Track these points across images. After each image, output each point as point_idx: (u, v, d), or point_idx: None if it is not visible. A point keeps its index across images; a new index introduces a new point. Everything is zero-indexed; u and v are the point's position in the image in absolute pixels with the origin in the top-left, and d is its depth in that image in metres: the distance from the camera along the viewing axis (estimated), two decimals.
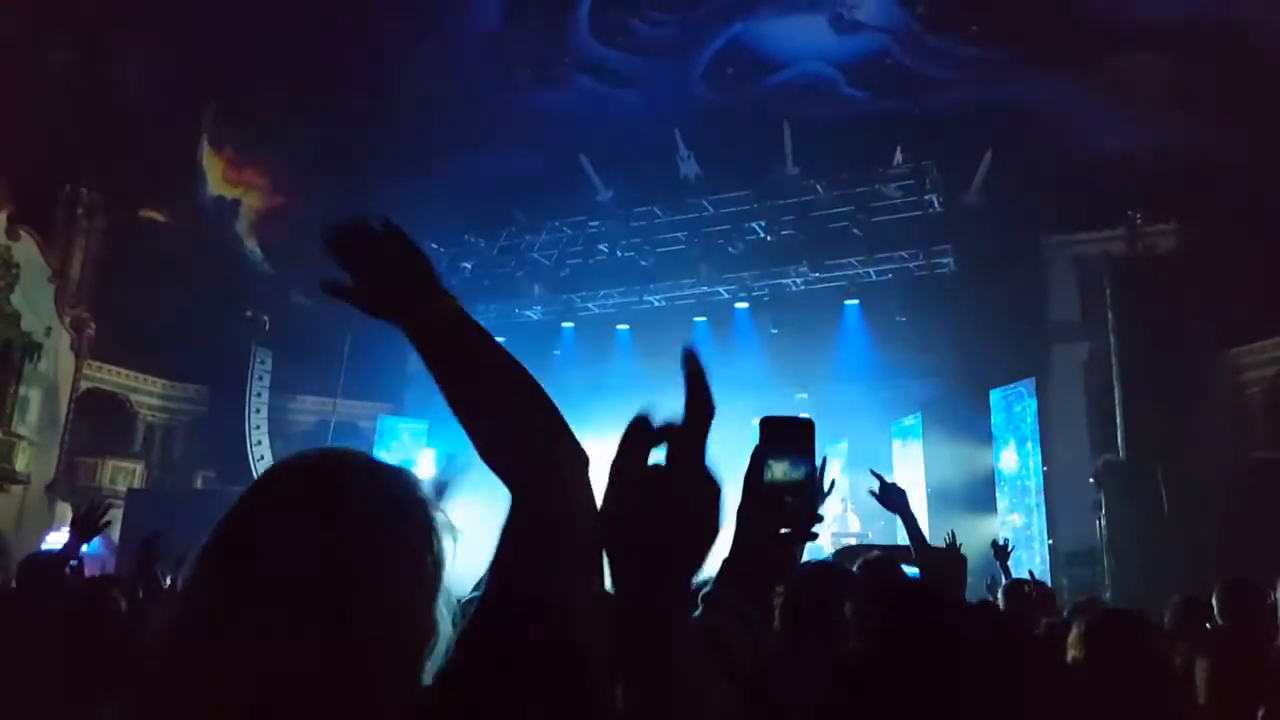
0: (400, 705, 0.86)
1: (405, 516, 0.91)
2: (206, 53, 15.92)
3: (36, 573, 5.08)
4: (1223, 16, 14.79)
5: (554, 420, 1.02)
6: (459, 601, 0.96)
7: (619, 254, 16.61)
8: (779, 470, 1.25)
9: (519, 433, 1.01)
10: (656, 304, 17.33)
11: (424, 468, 14.66)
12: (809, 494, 1.25)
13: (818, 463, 1.32)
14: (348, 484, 0.90)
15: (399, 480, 0.94)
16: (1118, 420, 14.89)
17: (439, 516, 0.94)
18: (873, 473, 4.03)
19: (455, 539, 0.94)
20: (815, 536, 1.40)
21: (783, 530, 1.35)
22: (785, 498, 1.24)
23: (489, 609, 0.92)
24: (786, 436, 1.26)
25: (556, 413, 1.03)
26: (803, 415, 1.34)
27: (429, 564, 0.91)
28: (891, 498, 3.84)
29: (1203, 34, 14.85)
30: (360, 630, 0.83)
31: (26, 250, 17.19)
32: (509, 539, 0.95)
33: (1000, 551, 5.65)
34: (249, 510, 0.89)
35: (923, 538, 3.82)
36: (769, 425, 1.26)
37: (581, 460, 1.00)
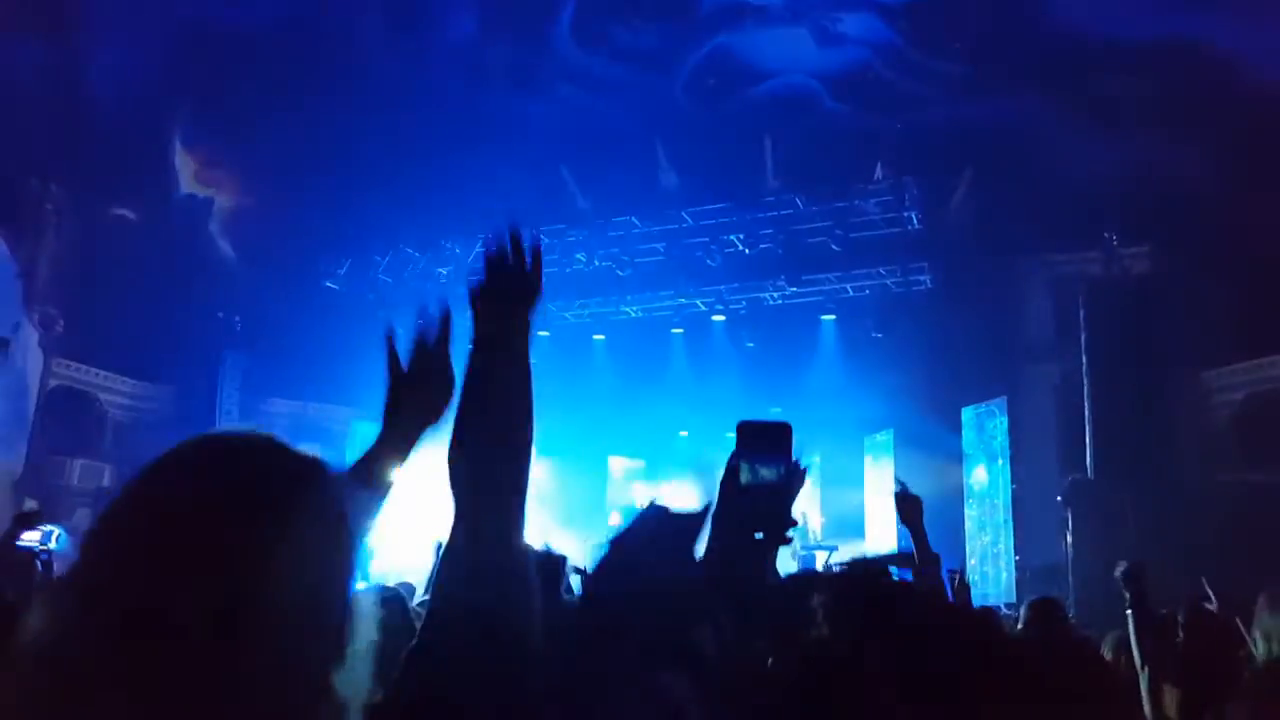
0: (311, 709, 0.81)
1: (315, 505, 0.86)
2: (180, 51, 15.64)
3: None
4: (1198, 39, 14.81)
5: (516, 501, 1.06)
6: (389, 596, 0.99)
7: (596, 264, 16.54)
8: (756, 473, 1.23)
9: (497, 471, 1.05)
10: (633, 315, 17.29)
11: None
12: (786, 496, 1.24)
13: (796, 464, 1.31)
14: (252, 468, 0.87)
15: (309, 465, 0.90)
16: (1087, 440, 15.01)
17: (351, 508, 0.90)
18: (896, 479, 4.05)
19: (366, 531, 0.94)
20: (789, 540, 1.40)
21: (757, 534, 1.35)
22: (762, 500, 1.22)
23: (428, 628, 0.94)
24: (763, 439, 1.25)
25: (522, 492, 1.07)
26: (779, 419, 1.34)
27: (340, 556, 0.86)
28: (909, 510, 3.72)
29: (1179, 56, 14.87)
30: (254, 628, 0.77)
31: None
32: (448, 561, 0.98)
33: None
34: (140, 492, 0.85)
35: (929, 553, 3.70)
36: (746, 429, 1.24)
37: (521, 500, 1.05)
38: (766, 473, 1.26)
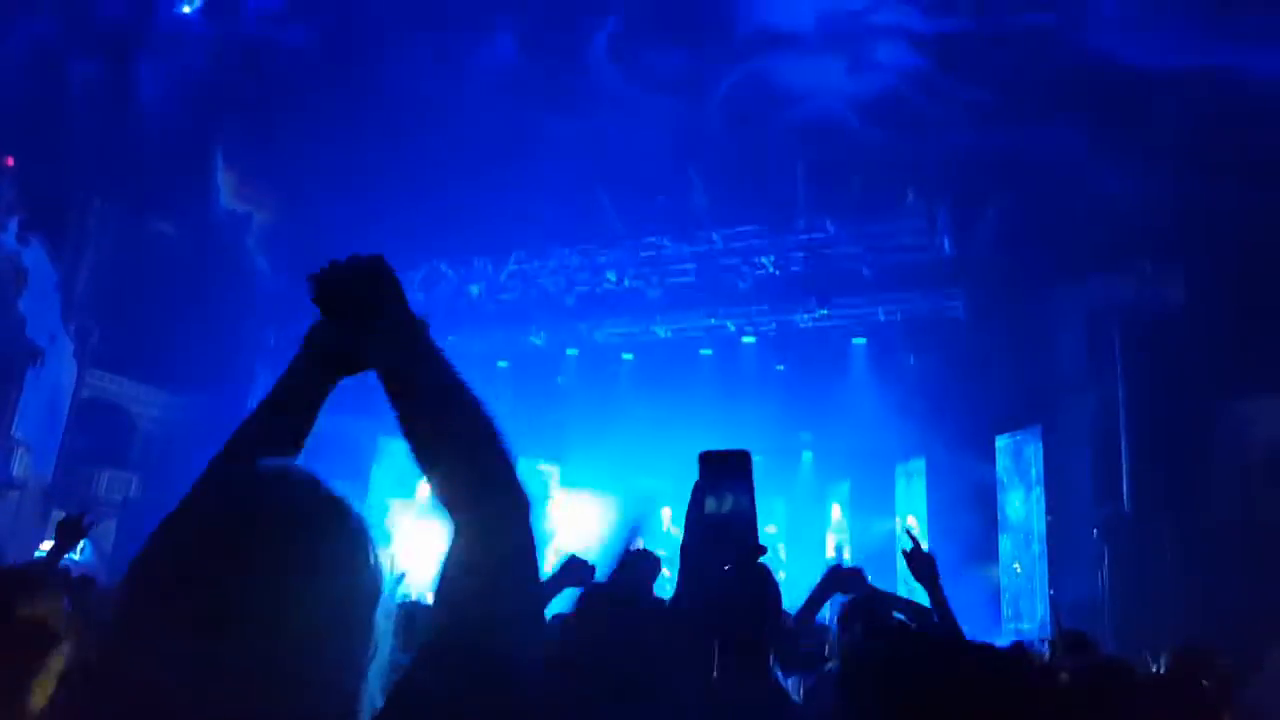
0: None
1: (343, 531, 0.91)
2: (223, 70, 16.04)
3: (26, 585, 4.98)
4: (1232, 67, 14.84)
5: (505, 466, 1.04)
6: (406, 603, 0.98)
7: (627, 283, 16.59)
8: (718, 503, 1.21)
9: (471, 475, 1.03)
10: (662, 335, 17.28)
11: (422, 494, 14.54)
12: (749, 524, 1.22)
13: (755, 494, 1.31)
14: (285, 499, 0.90)
15: (334, 497, 0.93)
16: (1123, 472, 14.76)
17: (373, 532, 0.94)
18: (907, 533, 3.90)
19: (389, 553, 0.95)
20: (760, 566, 1.36)
21: (725, 565, 1.32)
22: (728, 529, 1.21)
23: (430, 644, 0.93)
24: (724, 469, 1.23)
25: (508, 458, 1.05)
26: (739, 448, 1.33)
27: (366, 578, 0.90)
28: (920, 567, 3.52)
29: (1212, 84, 14.90)
30: (293, 646, 0.82)
31: (35, 257, 17.23)
32: (447, 574, 0.96)
33: None
34: (185, 521, 0.89)
35: (948, 613, 3.48)
36: (707, 460, 1.23)
37: (524, 506, 1.02)
38: (730, 502, 1.26)
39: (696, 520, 1.29)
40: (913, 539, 3.64)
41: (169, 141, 16.55)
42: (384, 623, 0.92)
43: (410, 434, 1.06)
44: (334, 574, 0.88)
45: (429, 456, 1.05)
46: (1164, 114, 15.22)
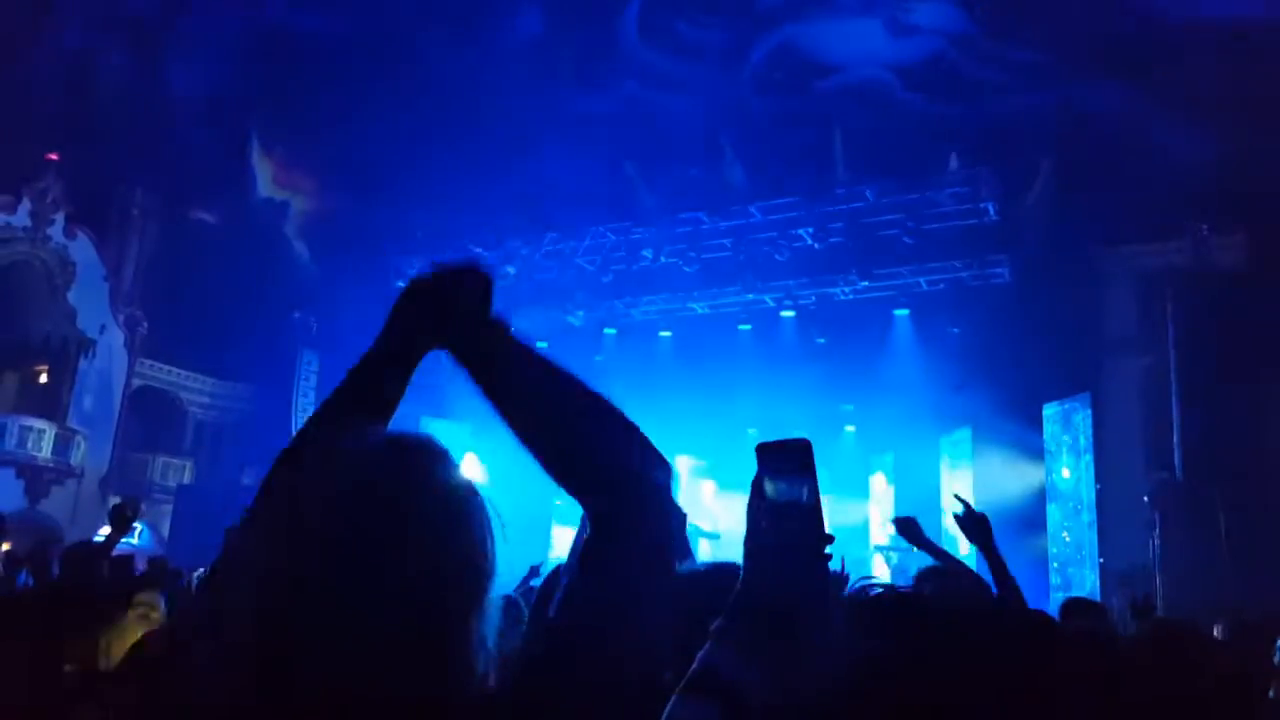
0: (464, 696, 0.86)
1: (472, 508, 0.92)
2: (257, 59, 16.06)
3: (76, 563, 5.11)
4: None
5: (634, 441, 1.02)
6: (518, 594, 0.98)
7: (663, 260, 16.45)
8: (779, 494, 1.20)
9: (599, 458, 1.01)
10: (700, 311, 17.15)
11: (467, 471, 14.69)
12: (814, 515, 1.20)
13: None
14: (425, 469, 0.91)
15: (460, 473, 0.94)
16: (1174, 440, 14.43)
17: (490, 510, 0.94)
18: (956, 497, 3.82)
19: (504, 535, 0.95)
20: (829, 558, 1.33)
21: (791, 556, 1.29)
22: (791, 520, 1.19)
23: (556, 636, 0.94)
24: (784, 460, 1.22)
25: (635, 430, 1.03)
26: (799, 437, 1.30)
27: (487, 558, 0.91)
28: (973, 529, 3.38)
29: (1269, 36, 14.22)
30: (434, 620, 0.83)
31: (83, 250, 17.58)
32: (590, 571, 0.95)
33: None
34: (316, 484, 0.88)
35: (1006, 573, 3.45)
36: (765, 450, 1.22)
37: (665, 479, 1.00)
38: (793, 492, 1.19)
39: (759, 512, 1.25)
40: (963, 501, 3.55)
41: (205, 131, 16.68)
42: (497, 603, 0.92)
43: (522, 422, 1.05)
44: (470, 549, 0.89)
45: (547, 439, 1.03)
46: (1221, 70, 14.59)
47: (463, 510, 0.91)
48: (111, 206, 17.68)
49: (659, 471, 1.03)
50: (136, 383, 18.62)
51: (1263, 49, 14.07)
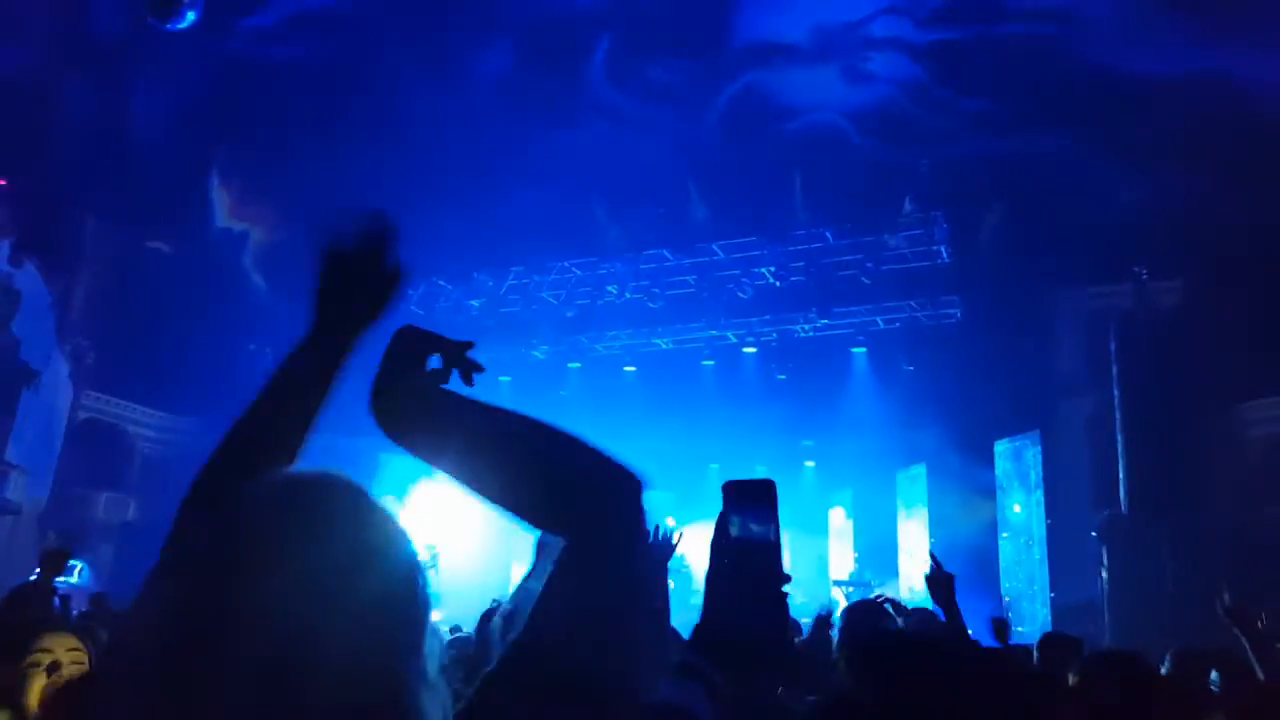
0: None
1: (396, 555, 0.86)
2: (218, 87, 15.88)
3: (21, 603, 4.95)
4: (1228, 71, 14.99)
5: (586, 460, 0.98)
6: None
7: (628, 296, 16.60)
8: (744, 532, 1.24)
9: (552, 488, 0.98)
10: (664, 346, 17.31)
11: (420, 502, 14.53)
12: (775, 553, 1.25)
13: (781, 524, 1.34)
14: (336, 512, 0.85)
15: (385, 513, 0.89)
16: (1120, 475, 14.91)
17: (420, 554, 0.90)
18: (931, 555, 3.95)
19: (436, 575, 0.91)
20: (785, 596, 1.39)
21: (753, 593, 1.34)
22: (754, 556, 1.23)
23: (524, 659, 0.90)
24: (748, 498, 1.26)
25: (587, 449, 0.99)
26: (764, 477, 1.36)
27: (417, 608, 0.86)
28: (939, 589, 3.67)
29: (1208, 90, 15.04)
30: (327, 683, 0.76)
31: (29, 279, 17.02)
32: (556, 586, 0.92)
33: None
34: (222, 527, 0.83)
35: (964, 632, 3.67)
36: (731, 489, 1.25)
37: (632, 489, 0.97)
38: (757, 531, 1.29)
39: (721, 549, 1.28)
40: (933, 558, 3.70)
41: (163, 159, 16.37)
42: (425, 611, 0.87)
43: (472, 470, 1.02)
44: (386, 589, 0.83)
45: (502, 483, 1.00)
46: (1161, 120, 15.34)
47: (374, 552, 0.85)
48: (62, 234, 17.19)
49: (622, 483, 0.99)
50: (82, 415, 17.99)
51: (1199, 101, 14.87)
